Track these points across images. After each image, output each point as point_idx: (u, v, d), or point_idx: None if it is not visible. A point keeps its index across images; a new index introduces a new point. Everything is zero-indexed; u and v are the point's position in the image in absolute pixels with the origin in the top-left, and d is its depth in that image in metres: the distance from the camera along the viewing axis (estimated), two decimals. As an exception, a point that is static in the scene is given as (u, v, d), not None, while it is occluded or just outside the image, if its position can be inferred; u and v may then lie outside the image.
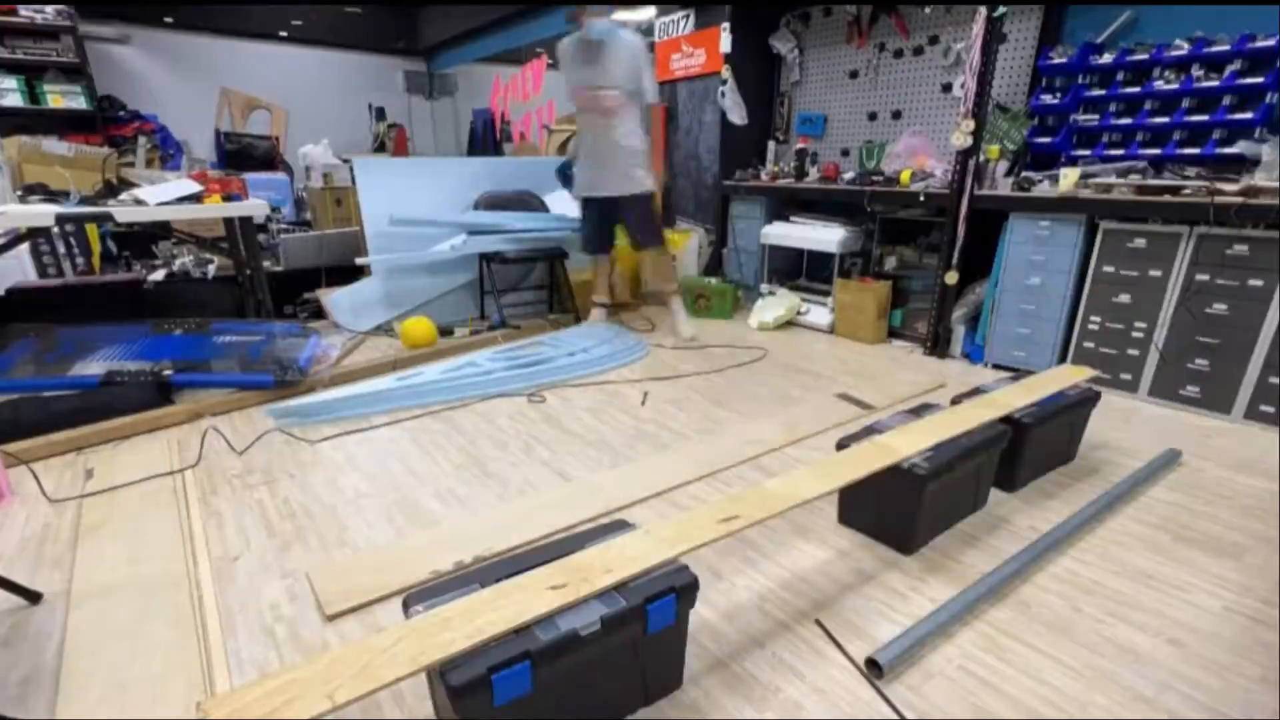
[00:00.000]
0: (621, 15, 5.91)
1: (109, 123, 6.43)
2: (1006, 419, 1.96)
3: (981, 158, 3.25)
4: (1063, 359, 3.10)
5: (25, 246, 3.94)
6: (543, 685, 1.05)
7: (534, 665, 1.04)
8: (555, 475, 2.21)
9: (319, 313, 3.96)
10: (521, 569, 1.23)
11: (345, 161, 5.45)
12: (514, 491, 2.10)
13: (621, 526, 1.39)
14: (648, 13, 5.39)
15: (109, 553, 1.76)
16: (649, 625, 1.17)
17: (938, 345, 3.59)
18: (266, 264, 3.83)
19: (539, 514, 1.92)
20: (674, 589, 1.19)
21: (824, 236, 4.05)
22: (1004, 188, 3.27)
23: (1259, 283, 2.52)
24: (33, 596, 1.56)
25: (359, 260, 3.82)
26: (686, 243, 4.69)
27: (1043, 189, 3.10)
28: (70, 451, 2.36)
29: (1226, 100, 2.84)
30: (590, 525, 1.59)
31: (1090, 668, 1.37)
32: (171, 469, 2.22)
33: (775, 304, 4.20)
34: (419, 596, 1.15)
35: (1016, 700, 1.29)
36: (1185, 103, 2.95)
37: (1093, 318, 3.00)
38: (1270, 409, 2.56)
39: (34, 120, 5.82)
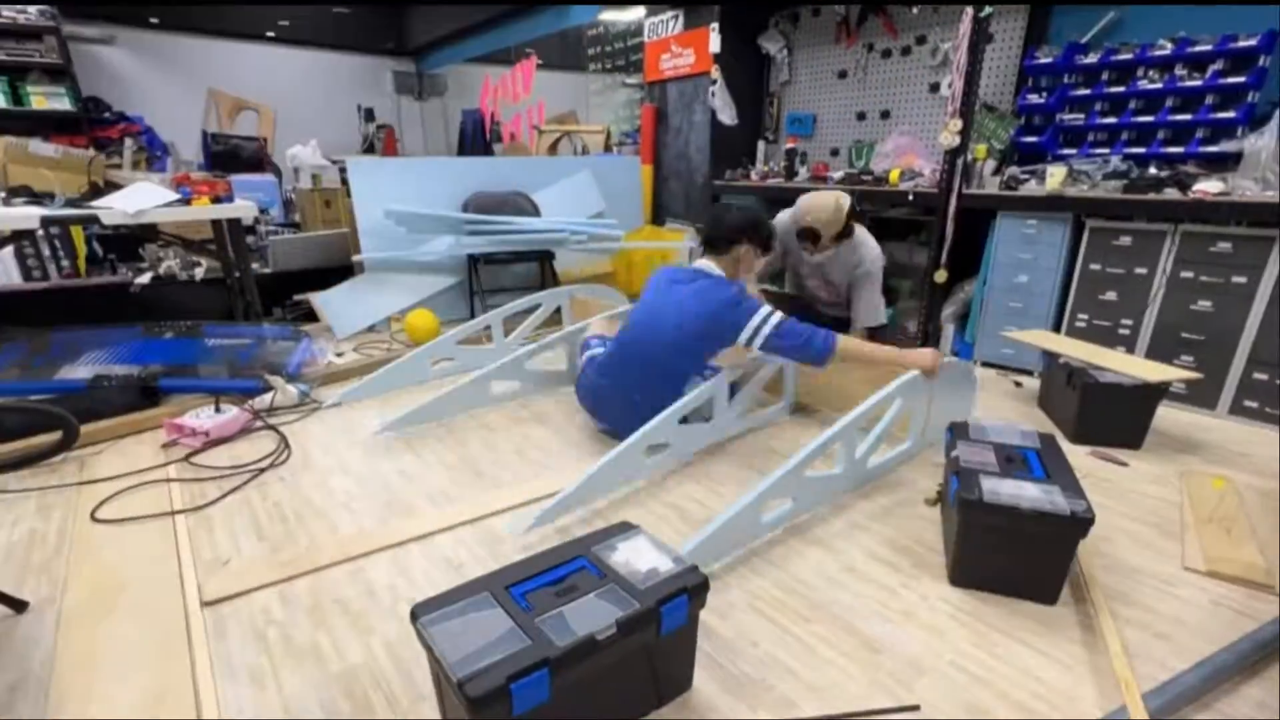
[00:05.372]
0: (609, 15, 5.91)
1: (94, 124, 6.37)
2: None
3: (969, 157, 3.28)
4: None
5: (10, 249, 3.90)
6: (560, 692, 1.04)
7: (552, 672, 1.02)
8: (553, 476, 2.21)
9: (310, 315, 3.93)
10: (533, 574, 1.22)
11: (334, 163, 5.43)
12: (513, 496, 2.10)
13: (626, 528, 1.38)
14: (637, 13, 5.39)
15: (96, 558, 1.74)
16: (662, 627, 1.16)
17: (927, 343, 3.61)
18: (255, 266, 3.80)
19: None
20: (685, 589, 1.19)
21: (814, 236, 4.06)
22: (991, 186, 3.30)
23: (1242, 279, 2.55)
24: (18, 605, 1.54)
25: (354, 258, 3.82)
26: (678, 243, 4.69)
27: (1029, 188, 3.13)
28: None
29: (1209, 99, 2.87)
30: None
31: (1080, 662, 1.39)
32: (159, 474, 2.20)
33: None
34: (427, 606, 1.13)
35: (1007, 694, 1.30)
36: (1169, 102, 2.99)
37: (1080, 315, 3.03)
38: (1254, 404, 2.59)
39: (17, 122, 5.75)
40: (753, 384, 2.51)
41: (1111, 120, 3.16)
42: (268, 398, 2.71)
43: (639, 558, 1.28)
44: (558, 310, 3.41)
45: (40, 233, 4.02)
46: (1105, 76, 3.14)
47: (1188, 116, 2.93)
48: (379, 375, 2.93)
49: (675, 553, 1.30)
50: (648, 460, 2.15)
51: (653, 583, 1.20)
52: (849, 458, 2.01)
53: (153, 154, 6.33)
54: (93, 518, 1.93)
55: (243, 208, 3.28)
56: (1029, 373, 3.22)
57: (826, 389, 2.61)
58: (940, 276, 3.44)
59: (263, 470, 2.23)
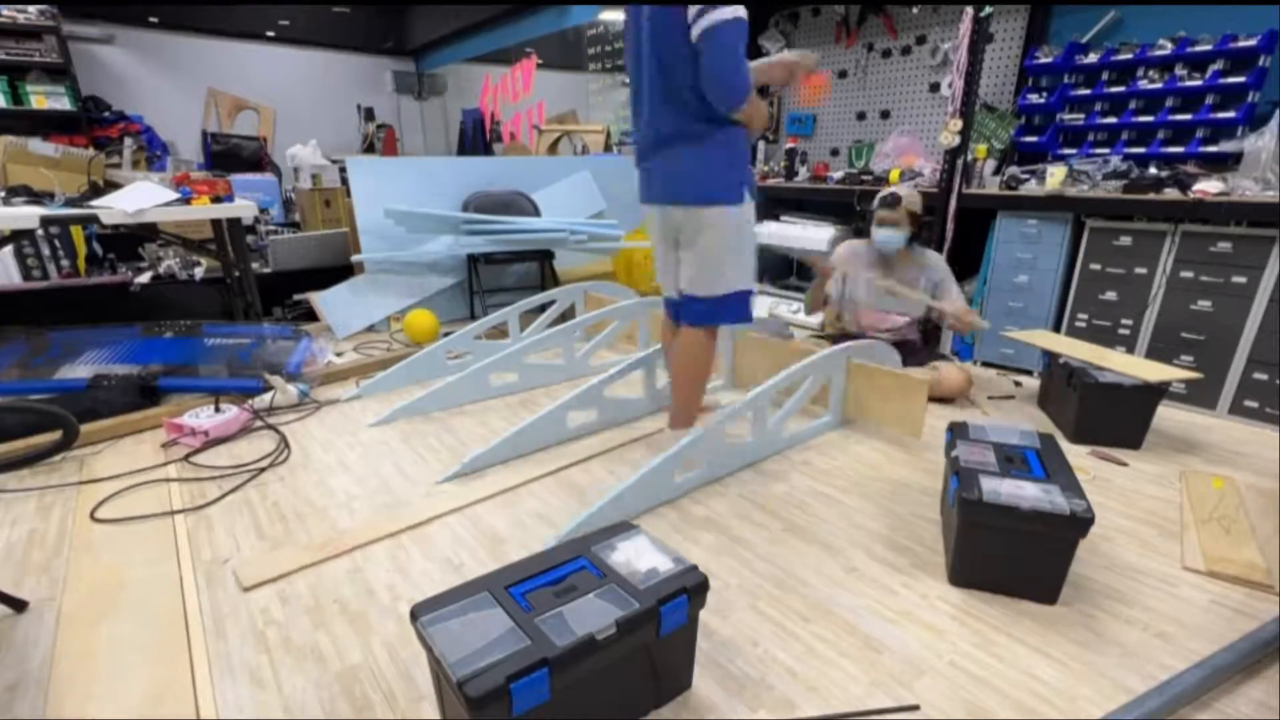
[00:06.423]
0: (609, 15, 5.91)
1: (94, 124, 6.36)
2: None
3: (969, 157, 3.28)
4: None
5: (9, 249, 3.90)
6: (559, 692, 1.04)
7: (552, 672, 1.02)
8: (549, 475, 2.21)
9: (310, 314, 3.93)
10: (532, 573, 1.22)
11: (334, 162, 5.42)
12: (504, 496, 2.10)
13: (626, 528, 1.38)
14: (637, 13, 5.38)
15: (96, 558, 1.74)
16: (662, 627, 1.16)
17: (927, 343, 3.61)
18: (255, 266, 3.80)
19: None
20: (685, 589, 1.19)
21: (814, 235, 4.07)
22: (992, 186, 3.30)
23: (1242, 279, 2.55)
24: (18, 605, 1.54)
25: (353, 258, 3.82)
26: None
27: (1029, 188, 3.13)
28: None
29: (1209, 99, 2.87)
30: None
31: (1078, 661, 1.39)
32: (159, 474, 2.20)
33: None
34: (427, 606, 1.13)
35: (1007, 694, 1.30)
36: (1169, 102, 2.99)
37: (1080, 315, 3.03)
38: (1254, 404, 2.59)
39: (16, 121, 5.75)
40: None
41: (1112, 120, 3.16)
42: (267, 397, 2.71)
43: (639, 557, 1.27)
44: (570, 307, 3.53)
45: (40, 232, 4.02)
46: (1105, 76, 3.14)
47: (1188, 116, 2.93)
48: (396, 370, 3.00)
49: (675, 553, 1.29)
50: (570, 427, 2.39)
51: (653, 582, 1.20)
52: (761, 427, 2.21)
53: (152, 153, 6.33)
54: (92, 517, 1.93)
55: (243, 207, 3.28)
56: (1029, 373, 3.22)
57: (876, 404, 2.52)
58: (940, 276, 3.44)
59: (262, 470, 2.23)
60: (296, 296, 4.07)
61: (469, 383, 2.78)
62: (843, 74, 4.39)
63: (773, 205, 4.51)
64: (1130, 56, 3.02)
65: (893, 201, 2.66)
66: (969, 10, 3.02)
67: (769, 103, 4.90)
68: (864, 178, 3.85)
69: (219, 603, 1.58)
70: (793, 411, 2.35)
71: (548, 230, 4.01)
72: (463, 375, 2.77)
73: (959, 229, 3.32)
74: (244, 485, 2.14)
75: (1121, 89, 3.08)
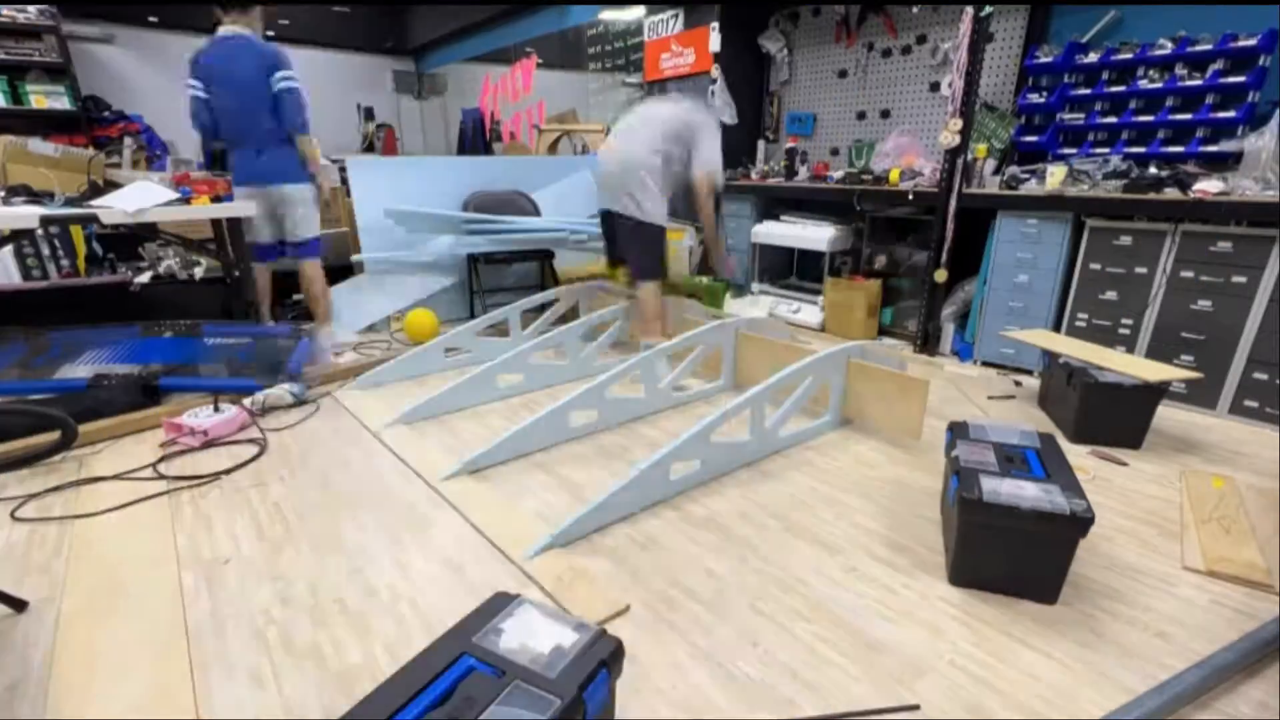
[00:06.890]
0: (609, 14, 5.90)
1: (93, 123, 6.36)
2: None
3: (969, 156, 3.27)
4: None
5: (9, 249, 3.90)
6: None
7: None
8: (550, 476, 2.21)
9: (310, 314, 3.93)
10: (413, 694, 0.95)
11: (335, 162, 5.41)
12: (504, 496, 2.10)
13: (505, 601, 1.16)
14: (637, 12, 5.39)
15: (96, 558, 1.74)
16: (588, 715, 0.97)
17: (928, 343, 3.61)
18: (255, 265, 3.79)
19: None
20: (603, 662, 1.01)
21: (814, 235, 4.07)
22: (992, 186, 3.30)
23: (1242, 279, 2.55)
24: (18, 604, 1.54)
25: (353, 258, 3.82)
26: (678, 242, 4.70)
27: (1029, 187, 3.12)
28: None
29: (1209, 99, 2.87)
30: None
31: (1080, 661, 1.39)
32: (159, 471, 2.20)
33: (751, 304, 4.37)
34: None
35: (1007, 694, 1.30)
36: (1169, 101, 2.99)
37: (1080, 315, 3.03)
38: (1254, 404, 2.59)
39: (16, 121, 5.75)
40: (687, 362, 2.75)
41: (1112, 120, 3.16)
42: (263, 396, 2.72)
43: (533, 636, 1.05)
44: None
45: (40, 232, 4.02)
46: (1105, 76, 3.14)
47: (1188, 116, 2.92)
48: (394, 364, 3.01)
49: (573, 619, 1.12)
50: (572, 427, 2.34)
51: (564, 665, 0.99)
52: (758, 426, 2.22)
53: (152, 153, 6.32)
54: (92, 517, 1.93)
55: (243, 207, 3.28)
56: (1029, 373, 3.22)
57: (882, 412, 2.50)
58: (940, 276, 3.44)
59: (232, 470, 2.23)
60: (296, 297, 4.06)
61: (475, 385, 2.77)
62: (843, 74, 4.39)
63: (773, 204, 4.51)
64: (1130, 56, 3.02)
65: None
66: (969, 10, 3.01)
67: (770, 102, 4.90)
68: (864, 177, 3.85)
69: (219, 603, 1.58)
70: (792, 412, 2.35)
71: (548, 230, 4.02)
72: (469, 377, 2.75)
73: (959, 229, 3.31)
74: (244, 486, 2.14)
75: (1121, 89, 3.07)
